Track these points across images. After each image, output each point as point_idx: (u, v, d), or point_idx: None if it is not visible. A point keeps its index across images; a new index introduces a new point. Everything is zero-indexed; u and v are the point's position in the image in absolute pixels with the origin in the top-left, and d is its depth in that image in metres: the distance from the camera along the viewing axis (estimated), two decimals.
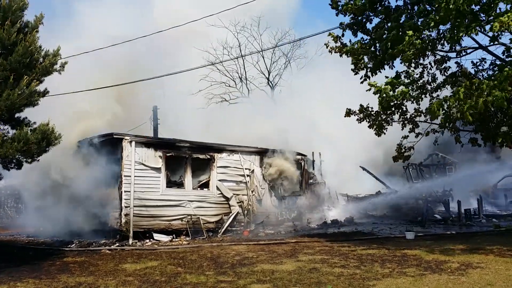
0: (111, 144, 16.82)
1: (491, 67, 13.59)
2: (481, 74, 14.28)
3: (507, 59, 12.94)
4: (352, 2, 13.92)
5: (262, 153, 20.28)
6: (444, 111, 12.17)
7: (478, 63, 14.23)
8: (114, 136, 16.47)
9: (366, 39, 14.44)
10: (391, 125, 15.37)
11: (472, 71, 14.21)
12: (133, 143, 16.57)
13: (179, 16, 30.74)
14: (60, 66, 11.88)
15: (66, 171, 17.46)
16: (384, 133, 15.36)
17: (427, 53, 13.68)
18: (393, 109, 14.57)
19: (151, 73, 19.16)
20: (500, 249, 12.15)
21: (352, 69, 14.78)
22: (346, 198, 24.60)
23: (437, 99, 12.69)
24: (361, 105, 15.17)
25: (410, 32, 12.08)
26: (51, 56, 11.61)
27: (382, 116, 14.93)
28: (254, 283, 9.06)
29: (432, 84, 14.52)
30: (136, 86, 21.04)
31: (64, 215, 17.95)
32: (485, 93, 10.85)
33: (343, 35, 14.57)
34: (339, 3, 14.23)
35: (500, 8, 11.49)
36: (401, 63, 13.23)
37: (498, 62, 13.12)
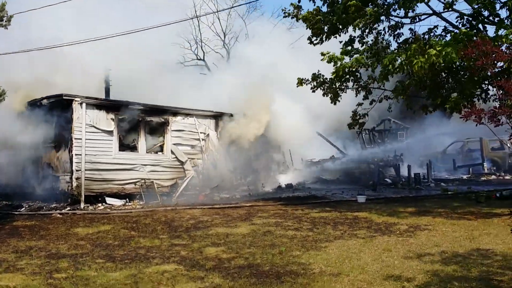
0: (61, 106, 16.22)
1: (443, 33, 13.78)
2: (434, 40, 14.48)
3: (460, 26, 13.16)
4: None
5: (217, 117, 20.10)
6: (395, 68, 12.29)
7: (430, 31, 14.39)
8: (64, 97, 15.85)
9: (323, 7, 14.39)
10: (346, 92, 15.48)
11: (426, 37, 14.36)
12: (84, 104, 16.03)
13: None
14: (6, 22, 11.26)
15: (14, 133, 16.80)
16: (339, 101, 15.48)
17: (381, 18, 13.74)
18: (347, 76, 14.65)
19: (103, 32, 18.41)
20: (447, 212, 12.61)
21: (308, 38, 14.73)
22: (302, 162, 24.84)
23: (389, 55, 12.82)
24: (313, 74, 15.12)
25: (353, 2, 12.08)
26: None
27: (336, 84, 14.97)
28: (209, 246, 9.07)
29: (386, 50, 14.61)
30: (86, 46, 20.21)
31: (13, 178, 17.38)
32: (437, 48, 11.03)
33: (299, 1, 14.46)
34: None
35: None
36: (353, 29, 13.27)
37: (450, 29, 13.31)
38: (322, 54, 13.81)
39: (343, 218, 12.14)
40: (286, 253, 8.23)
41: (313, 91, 15.41)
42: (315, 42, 14.67)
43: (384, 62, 12.34)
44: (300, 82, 15.31)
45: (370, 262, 7.50)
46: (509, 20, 12.27)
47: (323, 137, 26.91)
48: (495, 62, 6.19)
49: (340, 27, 14.02)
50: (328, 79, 14.94)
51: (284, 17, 14.84)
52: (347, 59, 13.75)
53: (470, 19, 12.96)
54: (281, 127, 23.00)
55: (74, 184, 15.68)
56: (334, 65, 13.70)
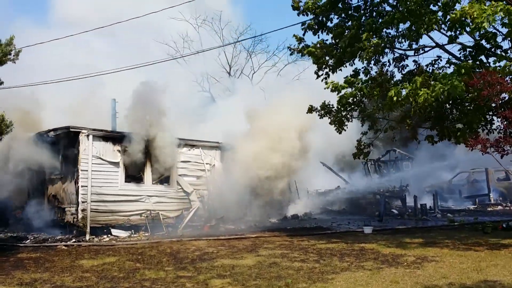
0: (67, 138, 16.38)
1: (447, 65, 13.95)
2: (438, 71, 14.64)
3: (462, 58, 13.32)
4: (312, 1, 14.05)
5: (223, 148, 20.16)
6: (400, 99, 12.39)
7: (434, 62, 14.59)
8: (71, 129, 16.02)
9: (327, 40, 14.67)
10: (351, 121, 15.62)
11: (430, 69, 14.53)
12: (91, 136, 16.18)
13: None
14: (14, 56, 11.49)
15: (19, 165, 16.94)
16: (345, 130, 15.62)
17: (385, 50, 13.96)
18: (352, 106, 14.82)
19: (108, 66, 18.77)
20: (454, 243, 12.51)
21: (314, 72, 14.98)
22: (307, 193, 24.81)
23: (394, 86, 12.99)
24: (322, 102, 15.39)
25: (366, 34, 12.34)
26: (4, 45, 11.21)
27: (342, 112, 15.16)
28: (214, 278, 9.01)
29: (390, 81, 14.78)
30: (95, 79, 20.54)
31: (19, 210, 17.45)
32: (443, 81, 11.15)
33: (304, 34, 14.75)
34: (300, 3, 14.32)
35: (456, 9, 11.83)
36: (359, 60, 13.48)
37: (453, 60, 13.47)
38: (326, 83, 14.04)
39: (349, 249, 12.05)
40: (292, 285, 8.16)
41: (321, 118, 15.67)
42: (321, 75, 14.89)
43: (389, 94, 12.46)
44: (310, 109, 15.60)
45: None
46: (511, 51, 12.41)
47: (327, 167, 26.93)
48: (500, 92, 6.29)
49: (345, 60, 14.24)
50: (334, 108, 15.16)
51: (290, 54, 15.23)
52: (349, 89, 13.96)
53: (472, 51, 13.12)
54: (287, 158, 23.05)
55: (80, 215, 15.68)
56: (337, 94, 13.92)
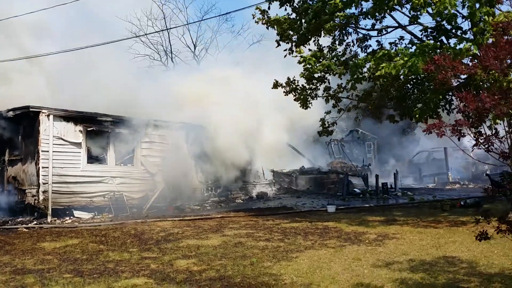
0: (28, 118, 15.93)
1: (409, 45, 14.15)
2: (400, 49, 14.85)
3: (424, 38, 13.54)
4: None
5: (188, 128, 20.03)
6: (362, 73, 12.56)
7: (396, 41, 14.78)
8: (31, 109, 15.57)
9: (292, 14, 14.60)
10: (316, 99, 15.74)
11: (392, 49, 14.71)
12: (51, 116, 15.78)
13: None
14: None
15: None
16: (310, 107, 15.72)
17: (349, 30, 14.06)
18: (315, 81, 14.95)
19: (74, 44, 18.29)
20: (414, 221, 12.85)
21: (276, 41, 14.96)
22: (272, 174, 24.97)
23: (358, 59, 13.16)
24: (288, 78, 15.43)
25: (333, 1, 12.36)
26: None
27: (307, 90, 15.27)
28: (180, 258, 9.02)
29: (354, 60, 14.91)
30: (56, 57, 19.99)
31: None
32: (405, 58, 11.35)
33: (269, 8, 14.68)
34: None
35: None
36: (324, 35, 13.54)
37: (415, 41, 13.68)
38: (298, 52, 14.04)
39: (313, 228, 12.24)
40: (257, 264, 8.26)
41: (286, 95, 15.74)
42: (284, 52, 14.90)
43: (352, 65, 12.61)
44: (275, 85, 15.62)
45: (341, 271, 7.60)
46: (471, 32, 12.67)
47: (293, 148, 27.14)
48: (456, 75, 6.39)
49: (309, 35, 14.25)
50: (300, 85, 15.25)
51: (256, 22, 15.00)
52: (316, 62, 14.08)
53: (433, 32, 13.35)
54: (252, 138, 23.12)
55: (41, 197, 15.37)
56: (304, 66, 13.97)
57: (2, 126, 16.31)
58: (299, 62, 13.94)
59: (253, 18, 14.99)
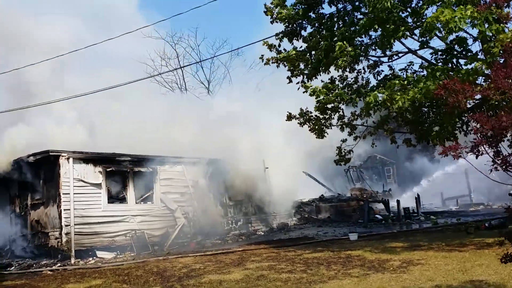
0: (48, 162, 16.23)
1: (420, 69, 14.20)
2: (412, 76, 14.87)
3: (434, 62, 13.58)
4: (285, 10, 14.17)
5: (206, 163, 20.15)
6: (378, 105, 12.56)
7: (406, 67, 14.85)
8: (50, 153, 15.89)
9: (301, 47, 14.76)
10: (331, 128, 15.76)
11: (403, 75, 14.76)
12: (71, 159, 16.08)
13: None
14: None
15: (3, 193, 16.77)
16: (325, 136, 15.73)
17: (360, 58, 14.16)
18: (329, 112, 14.98)
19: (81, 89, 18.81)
20: (439, 245, 12.64)
21: (287, 77, 15.08)
22: (292, 204, 24.86)
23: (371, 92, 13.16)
24: (301, 109, 15.50)
25: (339, 44, 12.50)
26: None
27: (321, 120, 15.29)
28: None
29: (366, 87, 14.96)
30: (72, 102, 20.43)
31: (1, 237, 17.18)
32: (419, 85, 11.36)
33: (279, 45, 14.86)
34: (273, 11, 14.45)
35: (426, 14, 12.12)
36: (335, 69, 13.64)
37: (426, 65, 13.72)
38: (306, 87, 14.12)
39: (336, 257, 12.11)
40: None
41: (301, 126, 15.76)
42: (296, 82, 15.02)
43: (367, 100, 12.63)
44: (289, 117, 15.67)
45: None
46: (481, 52, 12.69)
47: (311, 176, 27.07)
48: (467, 98, 6.40)
49: (321, 69, 14.37)
50: (314, 116, 15.29)
51: (264, 64, 15.10)
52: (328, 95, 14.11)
53: (444, 55, 13.38)
54: (270, 169, 23.18)
55: (64, 239, 15.51)
56: (316, 98, 14.02)
57: (24, 171, 16.64)
58: (310, 95, 14.02)
59: (262, 60, 15.12)
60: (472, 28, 11.86)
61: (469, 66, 11.42)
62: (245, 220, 21.24)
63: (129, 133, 22.67)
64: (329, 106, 14.56)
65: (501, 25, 11.05)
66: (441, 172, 31.04)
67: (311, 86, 14.06)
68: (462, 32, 11.86)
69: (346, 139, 16.21)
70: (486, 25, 11.16)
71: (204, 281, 10.23)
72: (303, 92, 14.29)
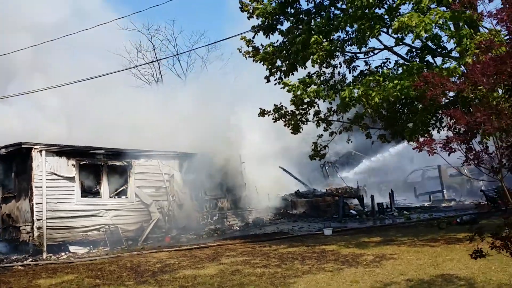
0: (20, 154, 15.91)
1: (395, 67, 14.33)
2: (388, 72, 15.02)
3: (410, 59, 13.74)
4: (262, 6, 14.13)
5: (181, 157, 20.05)
6: (353, 101, 12.64)
7: (382, 64, 14.97)
8: (23, 146, 15.56)
9: (278, 41, 14.74)
10: (306, 124, 15.80)
11: (380, 71, 14.88)
12: (44, 152, 15.78)
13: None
14: None
15: None
16: (300, 132, 15.77)
17: (336, 54, 14.21)
18: (305, 106, 15.01)
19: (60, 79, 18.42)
20: (411, 240, 12.81)
21: (265, 77, 15.06)
22: (268, 199, 24.91)
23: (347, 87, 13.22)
24: (275, 105, 15.47)
25: (315, 36, 12.52)
26: None
27: (297, 115, 15.31)
28: None
29: (342, 83, 15.04)
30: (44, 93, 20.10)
31: None
32: (394, 82, 11.47)
33: (254, 37, 14.81)
34: (249, 7, 14.39)
35: (400, 12, 12.25)
36: (312, 65, 13.67)
37: (402, 62, 13.87)
38: (284, 83, 14.11)
39: (310, 252, 12.18)
40: None
41: (275, 121, 15.72)
42: (273, 80, 15.01)
43: (343, 95, 12.70)
44: (262, 113, 15.61)
45: None
46: (456, 51, 12.87)
47: (286, 171, 27.16)
48: (444, 92, 6.47)
49: (298, 64, 14.38)
50: (289, 112, 15.27)
51: (244, 55, 15.01)
52: (303, 91, 14.13)
53: (419, 52, 13.55)
54: (245, 164, 23.18)
55: (36, 234, 15.24)
56: (293, 94, 14.01)
57: None
58: (288, 91, 14.01)
59: (240, 52, 15.04)
60: (441, 31, 12.05)
61: (445, 66, 11.59)
62: (221, 215, 21.19)
63: (105, 126, 22.45)
64: (306, 101, 14.59)
65: (471, 30, 11.24)
66: (418, 171, 31.51)
67: (290, 82, 14.07)
68: (438, 29, 12.00)
69: (322, 135, 16.28)
70: (452, 28, 11.36)
71: (179, 276, 10.18)
72: (281, 88, 14.29)
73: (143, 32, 37.17)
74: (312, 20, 14.11)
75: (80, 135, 23.18)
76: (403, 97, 12.36)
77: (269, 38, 14.84)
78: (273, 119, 15.61)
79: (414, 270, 9.00)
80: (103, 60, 34.12)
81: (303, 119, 15.50)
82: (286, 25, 14.75)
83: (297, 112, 15.23)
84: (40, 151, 15.74)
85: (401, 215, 20.91)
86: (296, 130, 15.53)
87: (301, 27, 14.08)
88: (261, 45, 14.74)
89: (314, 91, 13.77)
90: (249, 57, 14.80)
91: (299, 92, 13.82)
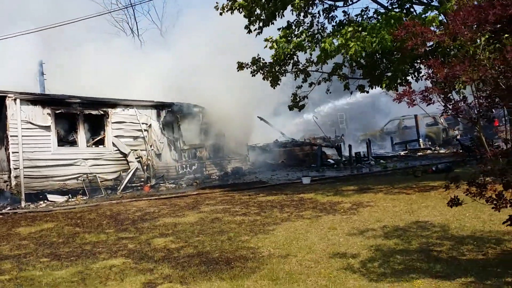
0: None
1: (375, 15, 14.18)
2: (367, 21, 14.85)
3: (390, 7, 13.58)
4: None
5: (159, 106, 19.83)
6: (332, 50, 12.53)
7: (363, 13, 14.78)
8: None
9: None
10: (285, 76, 15.67)
11: (359, 20, 14.72)
12: (18, 100, 15.45)
13: None
14: None
15: None
16: (279, 84, 15.66)
17: (315, 1, 13.94)
18: (286, 59, 14.82)
19: (34, 23, 17.75)
20: (387, 188, 13.05)
21: (245, 26, 14.71)
22: (247, 148, 25.01)
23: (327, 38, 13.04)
24: (253, 58, 15.22)
25: None
26: None
27: (276, 67, 15.12)
28: (157, 237, 9.03)
29: (322, 33, 14.84)
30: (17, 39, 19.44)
31: None
32: (373, 34, 11.37)
33: None
34: None
35: None
36: (291, 11, 13.40)
37: (382, 10, 13.70)
38: (266, 40, 13.88)
39: (289, 200, 12.36)
40: (235, 239, 8.33)
41: (253, 75, 15.50)
42: (253, 30, 14.70)
43: (323, 45, 12.57)
44: (241, 66, 15.37)
45: (317, 241, 7.73)
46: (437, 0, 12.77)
47: (265, 121, 27.17)
48: (425, 42, 6.43)
49: (277, 12, 14.09)
50: (267, 63, 15.06)
51: (220, 14, 14.55)
52: (286, 44, 13.90)
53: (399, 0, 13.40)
54: (223, 113, 23.03)
55: (13, 182, 15.13)
56: (275, 51, 13.81)
57: None
58: (270, 48, 13.78)
59: (217, 9, 14.56)
60: None
61: (425, 15, 11.49)
62: (200, 164, 21.23)
63: (82, 77, 21.98)
64: (286, 53, 14.38)
65: None
66: (395, 121, 31.84)
67: (272, 37, 13.82)
68: None
69: (301, 86, 16.20)
70: None
71: (159, 224, 10.28)
72: (264, 48, 14.04)
73: None
74: None
75: (56, 86, 22.71)
76: (380, 48, 12.28)
77: None
78: (251, 72, 15.37)
79: (390, 217, 9.24)
80: (76, 6, 32.91)
81: (282, 70, 15.32)
82: None
83: (275, 63, 15.00)
84: (15, 100, 15.40)
85: (378, 164, 21.25)
86: (275, 82, 15.38)
87: None
88: None
89: (296, 44, 13.57)
90: (227, 10, 14.32)
91: (281, 46, 13.60)
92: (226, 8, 14.33)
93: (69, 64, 23.31)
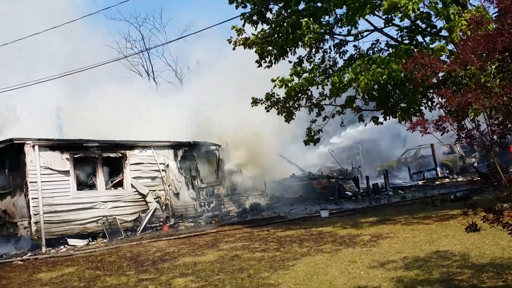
0: (12, 150, 15.87)
1: (385, 47, 14.36)
2: (377, 54, 15.03)
3: (400, 39, 13.75)
4: None
5: (175, 146, 20.07)
6: (344, 84, 12.67)
7: (373, 46, 14.99)
8: (15, 141, 15.53)
9: (267, 29, 14.65)
10: (299, 110, 15.82)
11: (370, 53, 14.91)
12: (37, 147, 15.74)
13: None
14: None
15: None
16: (293, 119, 15.80)
17: (326, 37, 14.20)
18: (299, 95, 15.01)
19: (52, 71, 18.30)
20: (406, 219, 12.96)
21: (256, 61, 14.99)
22: (264, 184, 25.02)
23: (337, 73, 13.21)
24: (267, 93, 15.44)
25: (305, 20, 12.53)
26: None
27: (290, 102, 15.29)
28: (177, 277, 9.03)
29: (333, 68, 15.04)
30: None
31: None
32: (382, 66, 11.51)
33: (243, 25, 14.72)
34: None
35: None
36: (302, 46, 13.64)
37: (392, 43, 13.88)
38: (273, 80, 14.15)
39: (308, 234, 12.31)
40: (255, 276, 8.29)
41: (268, 111, 15.70)
42: (264, 65, 14.97)
43: (333, 80, 12.74)
44: (255, 102, 15.60)
45: (337, 275, 7.67)
46: (446, 30, 12.90)
47: (284, 158, 27.28)
48: (434, 73, 6.52)
49: (288, 47, 14.37)
50: (281, 98, 15.26)
51: (233, 49, 14.95)
52: (296, 79, 14.12)
53: (409, 32, 13.55)
54: (240, 150, 23.21)
55: (33, 228, 15.27)
56: (285, 88, 14.04)
57: None
58: (280, 87, 14.04)
59: (230, 42, 14.96)
60: (428, 9, 12.06)
61: (434, 45, 11.63)
62: (218, 202, 21.26)
63: (99, 120, 22.40)
64: (298, 89, 14.57)
65: (458, 7, 11.27)
66: (411, 151, 31.68)
67: (278, 78, 14.09)
68: (426, 8, 12.03)
69: (315, 120, 16.31)
70: (441, 5, 11.38)
71: (179, 264, 10.28)
72: (274, 87, 14.33)
73: (131, 22, 36.94)
74: (301, 2, 14.04)
75: (73, 130, 23.16)
76: (390, 81, 12.40)
77: (256, 28, 14.78)
78: (265, 107, 15.59)
79: (410, 247, 9.15)
80: (91, 52, 33.87)
81: (296, 105, 15.50)
82: (274, 11, 14.69)
83: (289, 99, 15.18)
84: (33, 146, 15.70)
85: (396, 195, 21.10)
86: (289, 117, 15.53)
87: (289, 10, 14.04)
88: (252, 34, 14.67)
89: (307, 80, 13.78)
90: (239, 44, 14.68)
91: (290, 84, 13.85)
92: (239, 42, 14.66)
93: (86, 108, 23.79)
